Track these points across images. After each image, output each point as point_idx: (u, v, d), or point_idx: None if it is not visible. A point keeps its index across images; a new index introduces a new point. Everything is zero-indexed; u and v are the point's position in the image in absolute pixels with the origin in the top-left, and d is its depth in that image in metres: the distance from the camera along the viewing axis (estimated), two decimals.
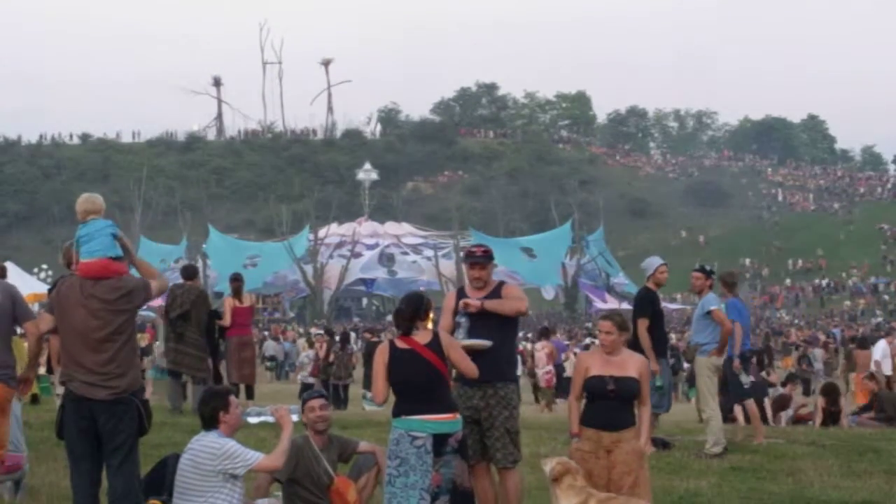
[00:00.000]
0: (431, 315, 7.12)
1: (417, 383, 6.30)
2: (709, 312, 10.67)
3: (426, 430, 6.22)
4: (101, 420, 6.14)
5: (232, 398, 6.47)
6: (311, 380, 21.78)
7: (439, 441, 6.24)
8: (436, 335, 6.43)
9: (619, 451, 6.62)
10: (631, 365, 6.76)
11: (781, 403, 16.14)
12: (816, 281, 72.40)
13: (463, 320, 7.00)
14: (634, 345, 10.31)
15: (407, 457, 6.24)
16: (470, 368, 6.50)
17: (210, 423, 6.37)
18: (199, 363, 12.91)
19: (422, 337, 6.40)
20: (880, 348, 20.31)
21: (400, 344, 6.40)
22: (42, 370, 16.88)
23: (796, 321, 57.53)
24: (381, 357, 6.42)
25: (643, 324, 10.38)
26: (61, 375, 6.41)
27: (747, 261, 76.88)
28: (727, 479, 9.34)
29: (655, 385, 10.69)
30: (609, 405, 6.68)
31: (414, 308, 6.46)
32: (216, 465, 6.20)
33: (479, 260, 7.22)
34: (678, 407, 19.31)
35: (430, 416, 6.25)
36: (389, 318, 53.74)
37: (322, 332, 27.88)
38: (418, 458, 6.22)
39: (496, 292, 7.10)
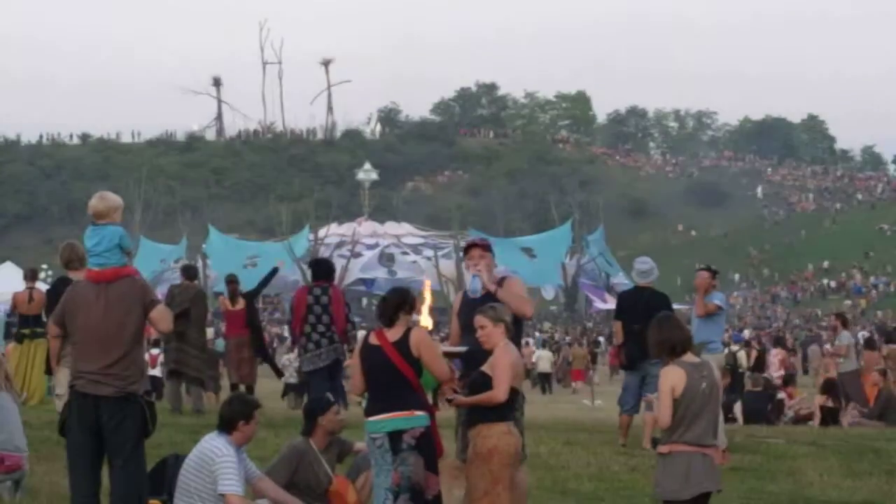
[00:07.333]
0: (427, 306, 7.17)
1: (377, 380, 6.41)
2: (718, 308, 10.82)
3: (380, 430, 6.33)
4: (105, 417, 6.14)
5: (257, 413, 6.56)
6: (293, 380, 21.69)
7: (395, 438, 6.29)
8: (407, 332, 6.43)
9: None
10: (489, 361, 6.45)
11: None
12: (818, 281, 72.51)
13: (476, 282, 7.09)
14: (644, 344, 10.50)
15: (375, 458, 6.41)
16: (440, 370, 6.48)
17: (227, 426, 6.40)
18: (201, 363, 12.92)
19: (393, 334, 6.42)
20: None
21: (372, 339, 6.50)
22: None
23: (797, 321, 57.60)
24: (356, 351, 6.65)
25: None
26: (71, 377, 6.41)
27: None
28: (727, 479, 9.30)
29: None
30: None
31: (399, 299, 6.51)
32: (212, 468, 6.24)
33: (479, 244, 7.36)
34: None
35: (383, 415, 6.34)
36: None
37: None
38: (381, 457, 6.35)
39: (499, 286, 7.14)
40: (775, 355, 22.82)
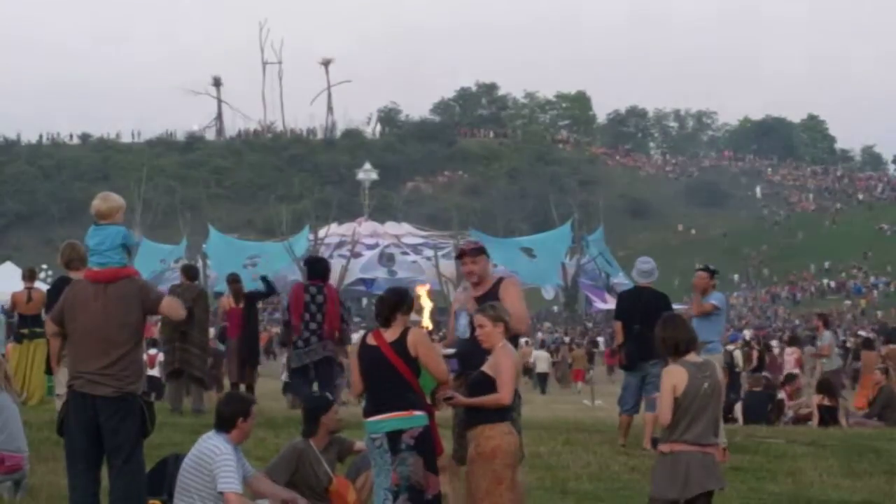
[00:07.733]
0: (425, 306, 7.12)
1: (376, 380, 6.39)
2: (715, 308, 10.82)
3: (379, 430, 6.32)
4: (104, 417, 6.14)
5: (254, 408, 6.57)
6: None
7: (394, 438, 6.29)
8: (404, 332, 6.41)
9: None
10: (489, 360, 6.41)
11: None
12: (818, 281, 72.56)
13: (463, 315, 6.99)
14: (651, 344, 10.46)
15: (375, 459, 6.41)
16: (439, 370, 6.45)
17: (226, 425, 6.40)
18: (202, 363, 12.93)
19: (391, 334, 6.41)
20: None
21: (369, 340, 6.49)
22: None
23: (797, 321, 57.58)
24: (354, 351, 6.63)
25: None
26: (69, 377, 6.41)
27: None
28: (727, 478, 9.32)
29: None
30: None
31: (397, 299, 6.48)
32: (210, 467, 6.25)
33: (469, 251, 7.23)
34: None
35: (382, 415, 6.33)
36: None
37: None
38: (381, 457, 6.35)
39: (494, 290, 7.08)
40: (790, 354, 22.61)
